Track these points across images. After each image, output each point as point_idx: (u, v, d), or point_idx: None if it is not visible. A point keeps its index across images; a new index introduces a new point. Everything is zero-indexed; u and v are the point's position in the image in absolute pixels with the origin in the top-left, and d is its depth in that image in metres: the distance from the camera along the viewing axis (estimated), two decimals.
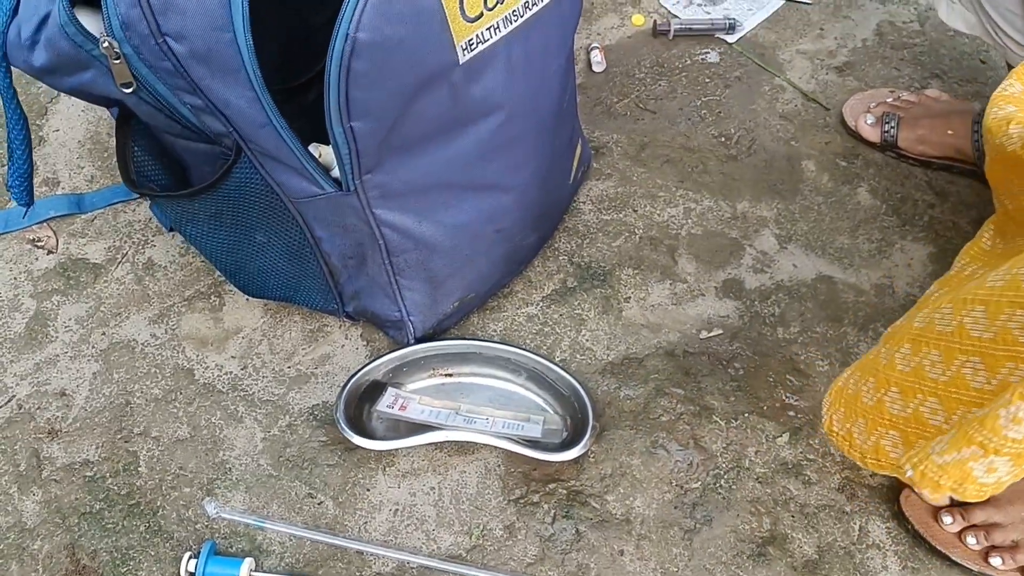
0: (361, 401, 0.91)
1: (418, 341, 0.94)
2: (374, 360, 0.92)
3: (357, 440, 0.85)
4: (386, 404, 0.89)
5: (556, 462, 0.88)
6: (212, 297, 1.01)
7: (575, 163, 1.01)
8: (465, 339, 0.96)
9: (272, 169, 0.79)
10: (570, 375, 0.90)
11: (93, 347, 0.96)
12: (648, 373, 0.96)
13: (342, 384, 0.89)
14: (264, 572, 0.81)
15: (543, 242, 1.03)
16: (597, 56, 1.24)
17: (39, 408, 0.92)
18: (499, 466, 0.89)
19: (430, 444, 0.89)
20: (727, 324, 1.00)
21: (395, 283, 0.88)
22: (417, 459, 0.89)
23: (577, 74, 1.12)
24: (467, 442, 0.90)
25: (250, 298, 1.00)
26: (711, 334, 0.99)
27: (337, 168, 0.79)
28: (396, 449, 0.89)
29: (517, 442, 0.86)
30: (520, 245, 0.95)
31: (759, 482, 0.89)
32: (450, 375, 0.94)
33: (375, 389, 0.92)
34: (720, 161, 1.14)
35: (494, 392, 0.93)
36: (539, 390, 0.93)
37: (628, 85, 1.23)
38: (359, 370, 0.91)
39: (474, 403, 0.92)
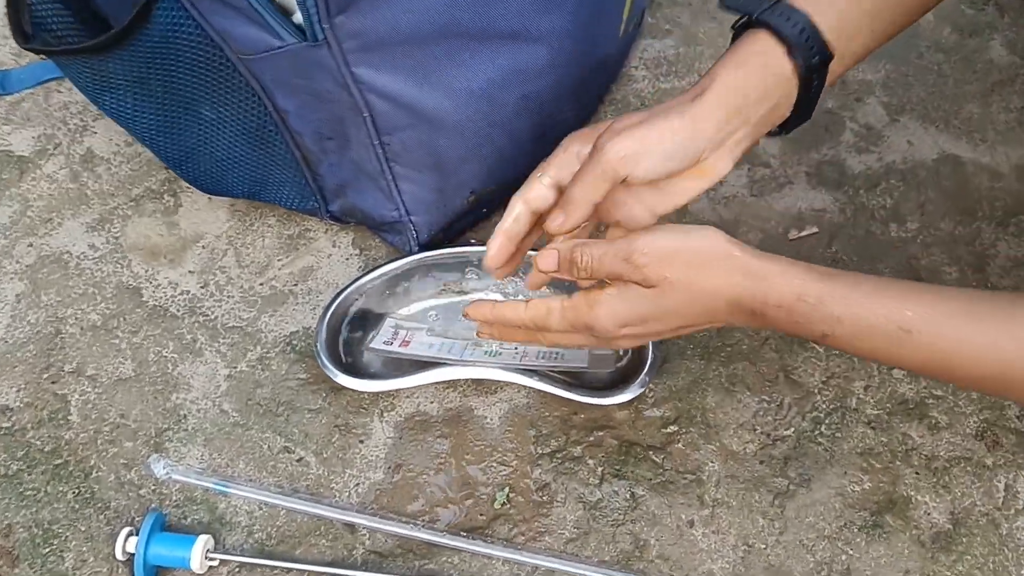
0: (351, 329, 0.70)
1: (423, 248, 0.72)
2: (365, 274, 0.71)
3: (343, 380, 0.65)
4: (383, 340, 0.68)
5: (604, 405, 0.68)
6: (166, 196, 0.80)
7: (626, 11, 0.77)
8: (484, 244, 0.75)
9: (209, 10, 0.57)
10: None
11: (17, 262, 0.76)
12: None
13: (325, 305, 0.69)
14: (226, 553, 0.62)
15: (583, 122, 0.79)
16: None
17: None
18: (529, 408, 0.69)
19: (440, 383, 0.69)
20: (824, 220, 0.77)
21: (388, 172, 0.67)
22: (424, 401, 0.69)
23: None
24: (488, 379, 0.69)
25: (212, 197, 0.79)
26: (803, 233, 0.77)
27: (298, 8, 0.57)
28: (396, 390, 0.69)
29: (555, 379, 0.66)
30: (553, 121, 0.72)
31: (871, 427, 0.68)
32: (464, 291, 0.73)
33: (369, 319, 0.71)
34: None
35: None
36: None
37: None
38: (346, 287, 0.70)
39: None
